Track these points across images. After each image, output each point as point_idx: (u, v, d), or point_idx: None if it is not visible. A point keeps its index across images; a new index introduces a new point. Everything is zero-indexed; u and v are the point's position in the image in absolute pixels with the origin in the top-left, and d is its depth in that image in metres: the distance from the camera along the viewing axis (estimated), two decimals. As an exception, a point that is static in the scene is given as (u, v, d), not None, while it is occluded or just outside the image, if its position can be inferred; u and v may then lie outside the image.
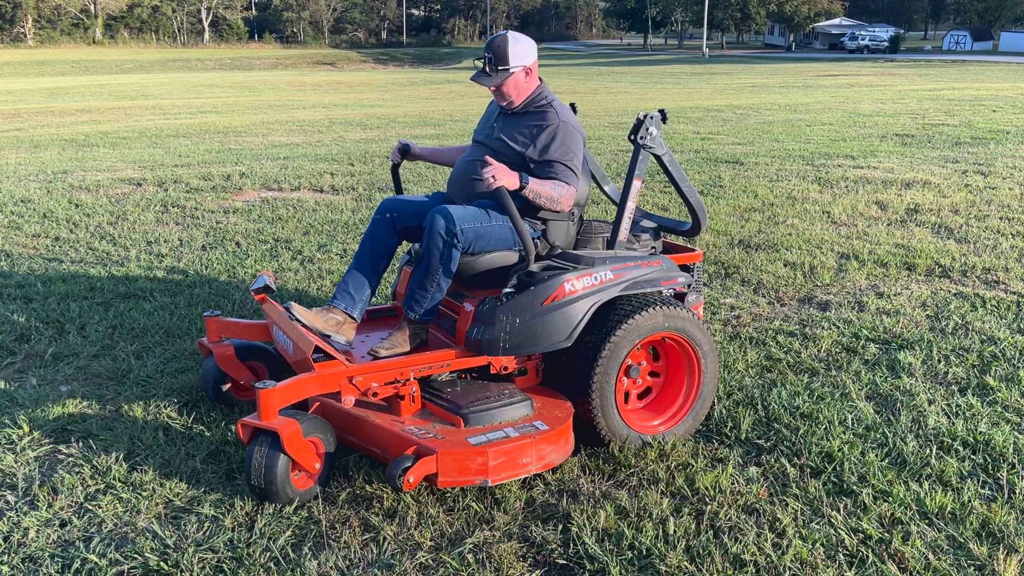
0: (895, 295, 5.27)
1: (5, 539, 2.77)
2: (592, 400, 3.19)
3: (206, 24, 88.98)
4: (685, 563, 2.62)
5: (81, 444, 3.39)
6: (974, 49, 65.02)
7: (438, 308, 3.55)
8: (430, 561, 2.67)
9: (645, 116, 3.44)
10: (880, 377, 4.03)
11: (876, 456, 3.26)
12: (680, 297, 3.77)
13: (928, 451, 3.30)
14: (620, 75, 40.10)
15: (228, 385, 3.68)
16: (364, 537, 2.79)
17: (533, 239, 3.43)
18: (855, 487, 3.05)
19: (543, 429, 3.06)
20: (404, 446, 2.95)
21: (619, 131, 14.12)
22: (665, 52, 75.90)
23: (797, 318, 4.88)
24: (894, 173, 9.56)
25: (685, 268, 3.78)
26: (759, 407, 3.69)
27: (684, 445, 3.38)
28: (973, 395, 3.82)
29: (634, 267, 3.35)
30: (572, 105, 3.88)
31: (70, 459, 3.27)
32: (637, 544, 2.72)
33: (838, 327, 4.70)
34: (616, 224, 3.49)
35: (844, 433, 3.45)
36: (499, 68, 3.36)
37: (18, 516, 2.89)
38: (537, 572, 2.63)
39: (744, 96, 23.50)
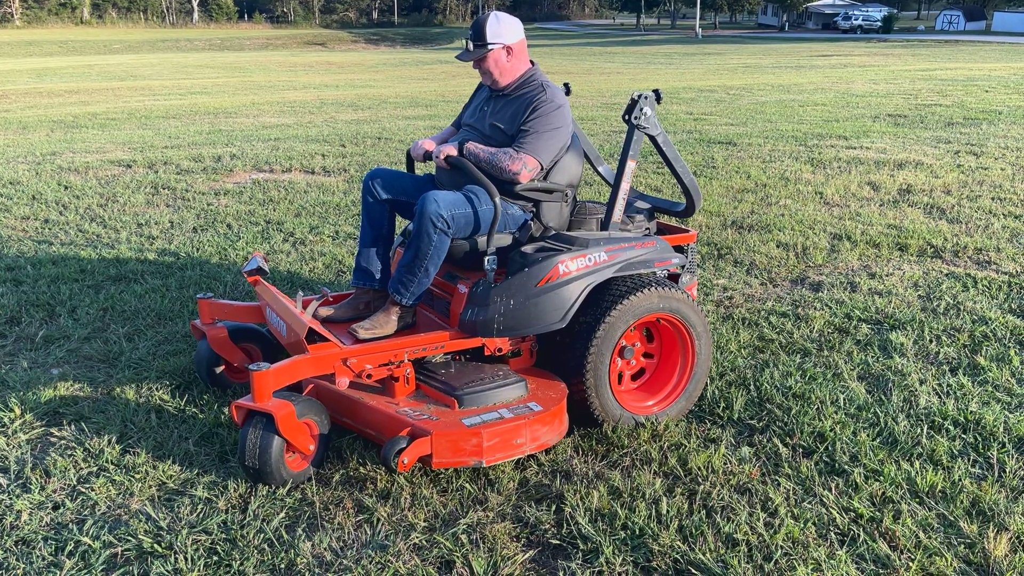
0: (887, 275, 5.29)
1: (-2, 522, 2.76)
2: (586, 381, 3.20)
3: (195, 4, 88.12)
4: (678, 542, 2.64)
5: (73, 427, 3.38)
6: (967, 29, 64.92)
7: (429, 290, 3.54)
8: (424, 542, 2.67)
9: (639, 96, 3.43)
10: (872, 357, 4.05)
11: (868, 436, 3.27)
12: (674, 278, 3.76)
13: (919, 430, 3.32)
14: (613, 55, 39.91)
15: (222, 367, 3.67)
16: (358, 518, 2.80)
17: (525, 221, 3.43)
18: (847, 466, 3.07)
19: (537, 410, 3.07)
20: (398, 427, 2.95)
21: (612, 111, 14.07)
22: (658, 32, 75.55)
23: (790, 299, 4.89)
24: (887, 154, 9.56)
25: (679, 249, 3.77)
26: (751, 387, 3.70)
27: (677, 426, 3.39)
28: (964, 375, 3.84)
29: (628, 248, 3.34)
30: (566, 85, 3.86)
31: (62, 442, 3.26)
32: (630, 524, 2.73)
33: (830, 307, 4.71)
34: (610, 205, 3.47)
35: (836, 413, 3.46)
36: (477, 44, 3.40)
37: (10, 499, 2.88)
38: (531, 552, 2.64)
39: (737, 76, 23.44)
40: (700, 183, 8.04)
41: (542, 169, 3.39)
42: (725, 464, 3.10)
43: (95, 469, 3.07)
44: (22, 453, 3.19)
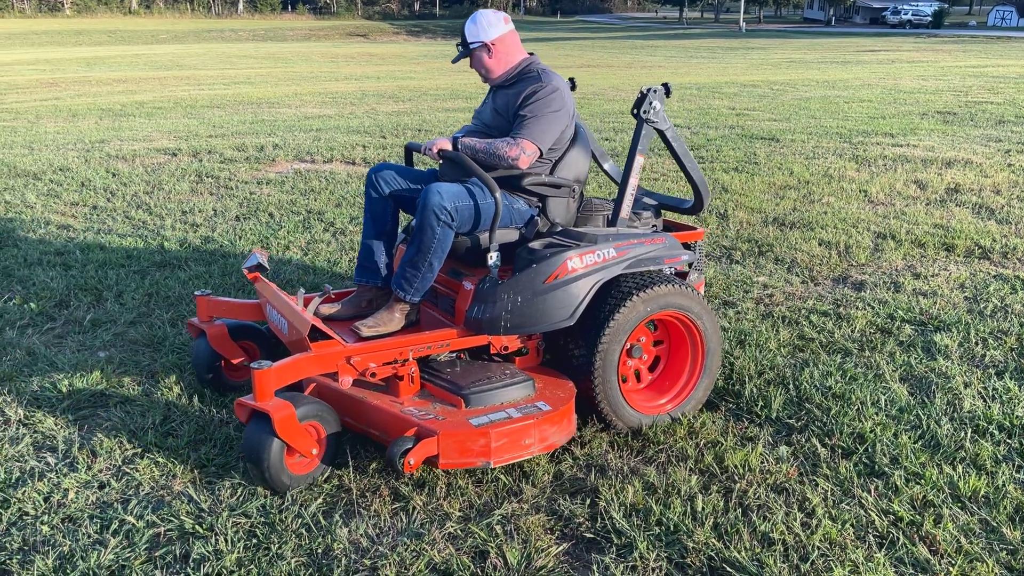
0: (932, 276, 5.19)
1: (45, 500, 2.84)
2: (596, 394, 3.16)
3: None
4: (713, 540, 2.62)
5: (119, 408, 3.46)
6: (1020, 25, 63.19)
7: (434, 287, 3.51)
8: (459, 531, 2.69)
9: (648, 90, 3.38)
10: (915, 359, 3.98)
11: (909, 438, 3.22)
12: (682, 276, 3.72)
13: (963, 434, 3.26)
14: (655, 49, 39.57)
15: (220, 362, 3.60)
16: (394, 506, 2.83)
17: (532, 216, 3.42)
18: (887, 469, 3.02)
19: (546, 410, 3.01)
20: (404, 428, 2.88)
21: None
22: (701, 26, 74.71)
23: (831, 298, 4.82)
24: (934, 152, 9.36)
25: (686, 247, 3.72)
26: (791, 387, 3.66)
27: (713, 423, 3.36)
28: (1011, 379, 3.76)
29: (638, 244, 3.29)
30: (571, 80, 3.79)
31: (108, 423, 3.34)
32: (665, 520, 2.72)
33: (873, 307, 4.64)
34: (618, 201, 3.43)
35: (877, 414, 3.41)
36: (462, 48, 3.49)
37: (58, 477, 2.97)
38: (564, 545, 2.64)
39: (781, 72, 23.10)
40: (741, 179, 7.95)
41: (542, 155, 3.36)
42: (762, 463, 3.07)
43: (139, 450, 3.14)
44: (69, 433, 3.27)
